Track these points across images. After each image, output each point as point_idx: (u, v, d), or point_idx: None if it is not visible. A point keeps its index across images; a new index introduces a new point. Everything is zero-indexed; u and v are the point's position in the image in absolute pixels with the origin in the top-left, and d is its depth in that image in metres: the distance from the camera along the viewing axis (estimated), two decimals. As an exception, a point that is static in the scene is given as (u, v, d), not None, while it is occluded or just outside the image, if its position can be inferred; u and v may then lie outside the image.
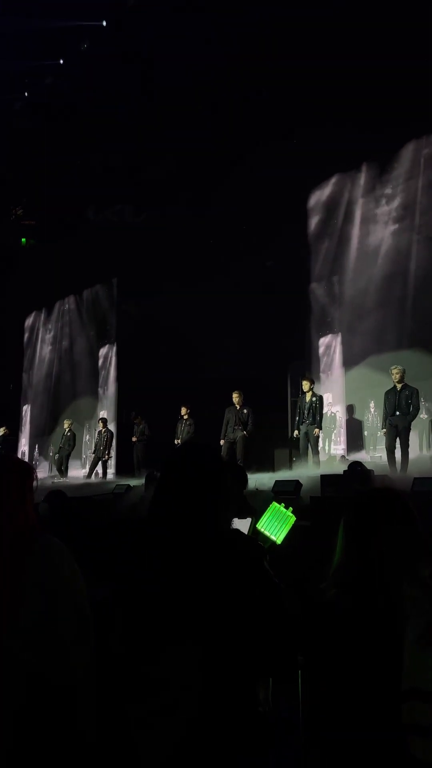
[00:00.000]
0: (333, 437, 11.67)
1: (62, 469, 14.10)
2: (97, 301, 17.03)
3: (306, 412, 10.10)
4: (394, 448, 9.07)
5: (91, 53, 13.98)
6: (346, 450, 11.22)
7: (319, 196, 12.15)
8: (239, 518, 2.24)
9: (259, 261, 12.30)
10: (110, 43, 13.47)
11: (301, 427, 10.14)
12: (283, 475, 8.78)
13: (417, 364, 9.62)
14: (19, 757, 1.76)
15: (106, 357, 16.55)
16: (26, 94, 15.60)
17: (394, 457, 9.04)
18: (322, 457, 10.46)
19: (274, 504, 2.08)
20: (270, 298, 11.62)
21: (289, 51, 10.64)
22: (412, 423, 9.07)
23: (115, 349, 16.33)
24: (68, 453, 14.33)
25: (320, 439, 10.48)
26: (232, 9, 10.89)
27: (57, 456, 14.58)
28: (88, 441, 15.90)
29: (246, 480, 4.21)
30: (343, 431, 11.46)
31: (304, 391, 10.26)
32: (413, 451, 9.09)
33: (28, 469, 2.09)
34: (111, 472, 14.15)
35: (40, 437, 18.14)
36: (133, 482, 10.28)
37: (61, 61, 14.64)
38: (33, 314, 19.57)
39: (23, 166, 16.22)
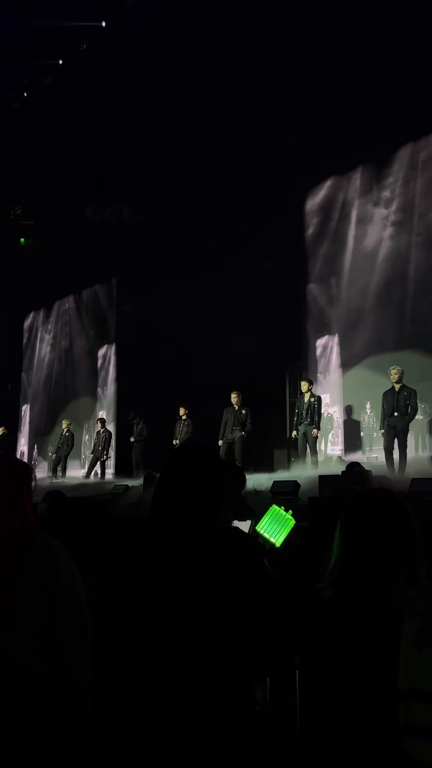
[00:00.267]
0: (330, 438, 11.68)
1: (58, 469, 14.10)
2: (96, 301, 17.02)
3: (304, 412, 10.12)
4: (392, 448, 9.09)
5: (90, 53, 14.00)
6: (343, 451, 11.23)
7: (317, 197, 12.16)
8: (239, 520, 2.24)
9: (257, 262, 12.31)
10: (109, 43, 13.50)
11: (299, 427, 10.16)
12: (282, 475, 8.79)
13: (414, 365, 9.64)
14: (17, 757, 1.77)
15: (105, 357, 16.54)
16: (25, 94, 15.62)
17: (392, 458, 9.05)
18: (319, 457, 10.48)
19: (274, 507, 2.08)
20: (269, 299, 11.63)
21: (289, 51, 10.66)
22: (410, 424, 9.10)
23: (113, 349, 16.32)
24: (66, 453, 14.32)
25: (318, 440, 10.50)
26: (231, 10, 10.90)
27: (55, 456, 14.58)
28: (88, 441, 15.90)
29: (244, 480, 4.22)
30: (340, 432, 11.47)
31: (303, 391, 10.29)
32: (409, 452, 9.11)
33: (26, 468, 2.09)
34: (110, 472, 14.15)
35: (39, 437, 18.13)
36: (132, 482, 10.29)
37: (61, 62, 14.67)
38: (32, 314, 19.55)
39: (22, 165, 16.23)
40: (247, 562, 1.61)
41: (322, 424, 10.63)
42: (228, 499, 1.70)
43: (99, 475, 13.60)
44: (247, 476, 4.87)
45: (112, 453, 14.36)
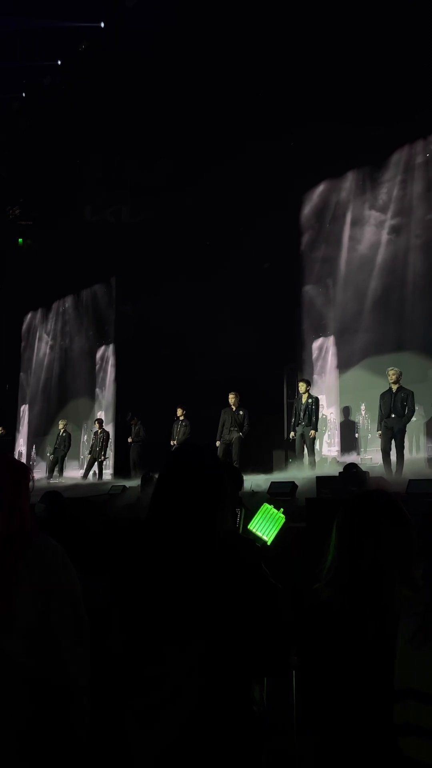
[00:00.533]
0: (325, 439, 11.69)
1: (55, 470, 14.08)
2: (95, 301, 17.00)
3: (302, 413, 10.14)
4: (390, 450, 9.10)
5: (90, 53, 14.00)
6: (339, 452, 11.24)
7: (315, 199, 12.17)
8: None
9: (256, 262, 12.32)
10: (109, 43, 13.50)
11: (297, 428, 10.18)
12: (279, 476, 8.80)
13: (411, 366, 9.65)
14: (15, 757, 1.77)
15: (103, 357, 16.53)
16: (24, 94, 15.62)
17: (390, 459, 9.07)
18: (315, 458, 10.49)
19: (265, 505, 2.12)
20: (267, 300, 11.64)
21: (289, 52, 10.67)
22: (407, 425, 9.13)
23: (111, 349, 16.30)
24: (64, 454, 14.31)
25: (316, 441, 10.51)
26: (231, 10, 10.91)
27: (52, 457, 14.57)
28: (86, 442, 15.87)
29: (242, 481, 4.22)
30: (337, 433, 11.49)
31: (301, 393, 10.30)
32: (405, 453, 9.13)
33: (24, 469, 2.09)
34: (109, 472, 14.14)
35: (37, 438, 18.10)
36: (129, 483, 10.29)
37: (59, 62, 14.67)
38: (30, 314, 19.53)
39: (21, 166, 16.22)
40: (246, 563, 1.62)
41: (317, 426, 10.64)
42: (227, 500, 1.70)
43: (97, 476, 13.59)
44: (245, 477, 4.87)
45: (110, 453, 14.35)
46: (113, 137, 13.73)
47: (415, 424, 9.42)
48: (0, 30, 13.26)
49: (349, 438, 11.25)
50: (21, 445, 18.58)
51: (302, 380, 10.52)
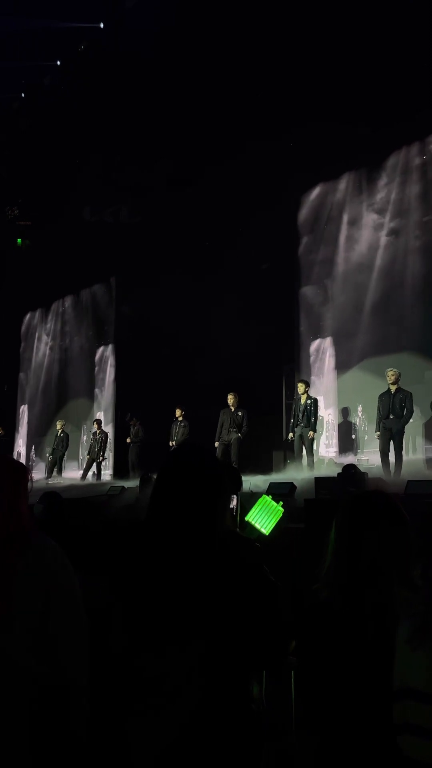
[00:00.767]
0: (323, 440, 11.69)
1: (53, 470, 14.08)
2: (95, 302, 16.99)
3: (301, 414, 10.15)
4: (388, 451, 9.12)
5: (90, 53, 14.00)
6: (337, 453, 11.25)
7: (313, 200, 12.18)
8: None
9: (254, 263, 12.33)
10: (108, 43, 13.50)
11: (295, 429, 10.19)
12: (278, 477, 8.81)
13: (408, 368, 9.65)
14: (15, 757, 1.77)
15: (103, 357, 16.52)
16: (23, 94, 15.62)
17: (388, 460, 9.08)
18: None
19: (264, 497, 2.12)
20: (266, 301, 11.65)
21: (289, 51, 10.68)
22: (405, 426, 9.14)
23: (109, 349, 16.29)
24: (62, 454, 14.31)
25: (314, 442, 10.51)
26: (231, 10, 10.92)
27: (51, 457, 14.58)
28: (86, 442, 15.87)
29: (241, 482, 4.23)
30: (335, 434, 11.50)
31: (299, 393, 10.31)
32: (403, 454, 9.14)
33: (22, 468, 2.09)
34: (108, 473, 14.14)
35: (37, 438, 18.09)
36: (128, 484, 10.29)
37: (59, 62, 14.68)
38: (29, 314, 19.52)
39: (20, 166, 16.22)
40: (246, 563, 1.62)
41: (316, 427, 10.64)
42: (227, 501, 1.71)
43: (96, 477, 13.59)
44: (243, 478, 4.86)
45: (110, 454, 14.35)
46: (112, 137, 13.72)
47: (412, 426, 9.43)
48: (0, 30, 13.26)
49: (346, 439, 11.26)
50: (20, 446, 18.57)
51: (301, 381, 10.53)
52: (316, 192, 12.14)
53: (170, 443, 11.63)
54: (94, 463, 13.65)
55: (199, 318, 12.02)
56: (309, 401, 10.17)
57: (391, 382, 9.16)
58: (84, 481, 13.29)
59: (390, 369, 9.27)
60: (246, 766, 1.57)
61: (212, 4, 11.31)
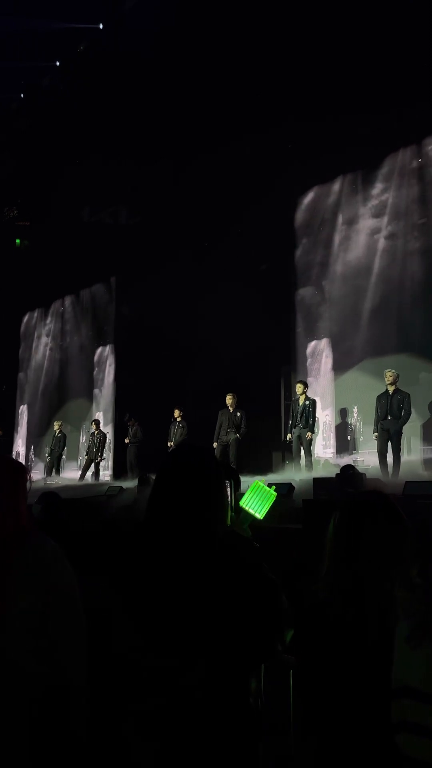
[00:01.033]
0: (320, 441, 11.69)
1: (52, 471, 14.08)
2: (94, 302, 16.99)
3: (299, 415, 10.15)
4: (386, 451, 9.13)
5: (89, 54, 14.00)
6: (334, 453, 11.27)
7: (311, 201, 12.20)
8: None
9: (253, 264, 12.34)
10: (108, 44, 13.50)
11: (293, 430, 10.19)
12: (276, 477, 8.81)
13: (404, 369, 9.66)
14: (15, 757, 1.77)
15: (102, 358, 16.51)
16: (22, 95, 15.62)
17: (386, 461, 9.09)
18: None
19: (257, 482, 2.14)
20: (265, 301, 11.66)
21: (289, 51, 10.70)
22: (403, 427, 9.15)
23: (108, 349, 16.29)
24: (59, 454, 14.31)
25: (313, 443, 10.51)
26: (231, 9, 10.93)
27: (49, 458, 14.58)
28: (85, 443, 15.87)
29: (239, 482, 4.23)
30: (332, 435, 11.51)
31: (298, 394, 10.31)
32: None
33: (21, 468, 2.08)
34: (108, 473, 14.13)
35: (36, 438, 18.08)
36: (126, 484, 10.30)
37: (58, 63, 14.68)
38: (28, 315, 19.52)
39: (18, 166, 16.21)
40: (246, 563, 1.63)
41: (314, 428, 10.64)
42: (226, 501, 1.71)
43: (94, 477, 13.59)
44: (242, 479, 4.87)
45: (109, 455, 14.34)
46: (111, 138, 13.73)
47: (410, 427, 9.45)
48: (0, 30, 13.27)
49: (342, 440, 11.29)
50: (19, 446, 18.56)
51: (300, 382, 10.52)
52: (313, 194, 12.16)
53: (168, 444, 11.63)
54: (93, 464, 13.65)
55: (198, 319, 12.04)
56: (307, 402, 10.17)
57: (389, 383, 9.18)
58: (82, 481, 13.28)
59: (388, 370, 9.29)
60: (244, 760, 1.57)
61: (212, 4, 11.32)
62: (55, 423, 14.83)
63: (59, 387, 17.63)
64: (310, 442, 10.13)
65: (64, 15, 13.10)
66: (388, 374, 9.21)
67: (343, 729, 1.60)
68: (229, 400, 10.78)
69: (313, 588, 1.74)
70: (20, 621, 1.80)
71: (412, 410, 9.27)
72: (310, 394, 10.44)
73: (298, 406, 10.23)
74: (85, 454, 14.36)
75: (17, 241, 18.33)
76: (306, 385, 10.43)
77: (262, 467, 10.62)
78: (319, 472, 9.14)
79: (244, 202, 12.00)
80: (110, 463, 14.49)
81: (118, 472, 13.55)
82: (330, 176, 11.78)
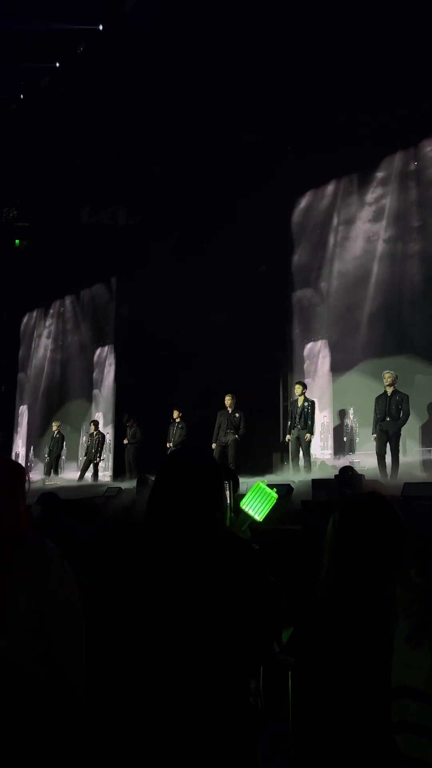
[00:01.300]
0: (318, 442, 11.69)
1: (51, 471, 14.07)
2: (94, 302, 16.98)
3: (298, 416, 10.15)
4: (385, 453, 9.13)
5: (89, 54, 14.01)
6: (332, 455, 11.27)
7: (310, 203, 12.21)
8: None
9: (252, 265, 12.34)
10: (108, 44, 13.52)
11: (292, 431, 10.19)
12: (275, 479, 8.81)
13: (401, 371, 9.67)
14: (15, 757, 1.77)
15: (102, 358, 16.50)
16: (22, 95, 15.63)
17: (385, 462, 9.09)
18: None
19: (258, 483, 2.13)
20: (264, 302, 11.66)
21: (290, 50, 10.71)
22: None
23: (108, 349, 16.28)
24: (57, 455, 14.31)
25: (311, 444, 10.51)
26: (231, 9, 10.94)
27: (48, 458, 14.58)
28: (84, 443, 15.87)
29: (238, 483, 4.24)
30: (330, 436, 11.51)
31: (297, 395, 10.32)
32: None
33: (20, 469, 2.08)
34: (108, 474, 14.13)
35: (35, 439, 18.08)
36: (125, 485, 10.29)
37: (58, 64, 14.70)
38: (28, 315, 19.51)
39: (18, 167, 16.22)
40: (246, 564, 1.63)
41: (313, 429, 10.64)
42: (226, 501, 1.71)
43: (93, 478, 13.58)
44: (241, 480, 4.88)
45: (108, 455, 14.34)
46: (111, 138, 13.74)
47: (408, 428, 9.45)
48: (-1, 31, 13.28)
49: (339, 441, 11.30)
50: (19, 446, 18.55)
51: (298, 383, 10.52)
52: (314, 195, 12.17)
53: (167, 445, 11.63)
54: (92, 464, 13.65)
55: (197, 320, 12.03)
56: (306, 403, 10.17)
57: (387, 384, 9.17)
58: (81, 482, 13.28)
59: (387, 371, 9.29)
60: (244, 760, 1.58)
61: (212, 4, 11.33)
62: (53, 423, 14.83)
63: (59, 387, 17.62)
64: (309, 443, 10.13)
65: (64, 16, 13.13)
66: (386, 375, 9.21)
67: (343, 729, 1.60)
68: (227, 401, 10.78)
69: (312, 588, 1.74)
70: (19, 621, 1.80)
71: (411, 412, 9.27)
72: (308, 395, 10.45)
73: (297, 407, 10.23)
74: (84, 454, 14.35)
75: (17, 241, 18.34)
76: (305, 386, 10.43)
77: (260, 468, 10.63)
78: (316, 474, 9.14)
79: (243, 204, 12.01)
80: (109, 463, 14.48)
81: (117, 472, 13.55)
82: (327, 178, 11.79)
